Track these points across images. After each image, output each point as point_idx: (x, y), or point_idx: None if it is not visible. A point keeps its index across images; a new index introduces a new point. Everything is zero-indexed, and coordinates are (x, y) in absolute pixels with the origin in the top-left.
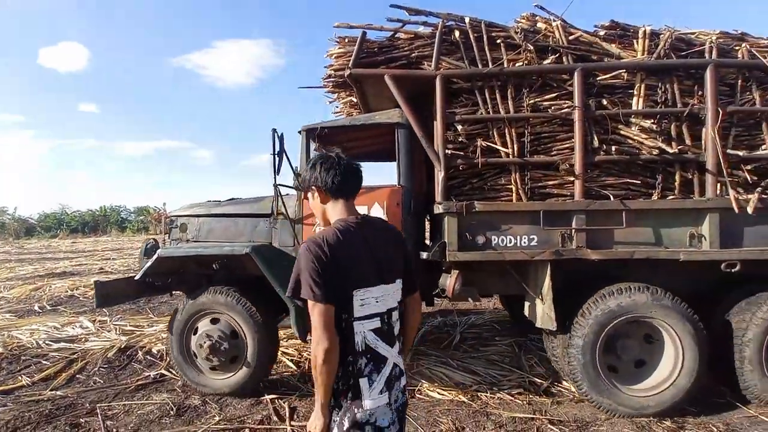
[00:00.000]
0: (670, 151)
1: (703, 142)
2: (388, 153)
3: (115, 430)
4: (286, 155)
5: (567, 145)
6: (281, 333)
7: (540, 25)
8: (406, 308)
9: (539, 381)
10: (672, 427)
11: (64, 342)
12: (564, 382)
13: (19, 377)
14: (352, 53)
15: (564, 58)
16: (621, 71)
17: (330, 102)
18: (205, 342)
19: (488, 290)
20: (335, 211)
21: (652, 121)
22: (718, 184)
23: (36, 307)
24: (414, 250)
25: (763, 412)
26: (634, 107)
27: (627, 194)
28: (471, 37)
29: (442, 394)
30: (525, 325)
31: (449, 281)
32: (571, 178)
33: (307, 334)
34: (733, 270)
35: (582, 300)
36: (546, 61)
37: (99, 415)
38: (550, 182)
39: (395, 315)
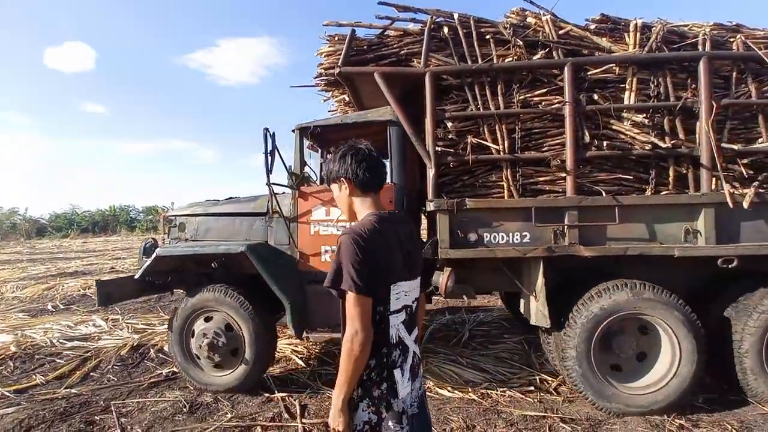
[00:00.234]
0: (663, 145)
1: (697, 136)
2: (382, 151)
3: (129, 427)
4: (279, 154)
5: (558, 141)
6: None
7: (530, 20)
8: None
9: (550, 379)
10: (686, 425)
11: (78, 340)
12: None
13: (33, 376)
14: (341, 51)
15: (554, 53)
16: (612, 65)
17: (324, 100)
18: (203, 340)
19: (483, 287)
20: (365, 204)
21: (645, 115)
22: (714, 179)
23: (49, 306)
24: None
25: None
26: (626, 102)
27: (620, 190)
28: (460, 33)
29: (452, 392)
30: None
31: (442, 279)
32: (563, 174)
33: (302, 331)
34: (730, 266)
35: (576, 297)
36: (536, 57)
37: (113, 413)
38: (542, 178)
39: (414, 307)
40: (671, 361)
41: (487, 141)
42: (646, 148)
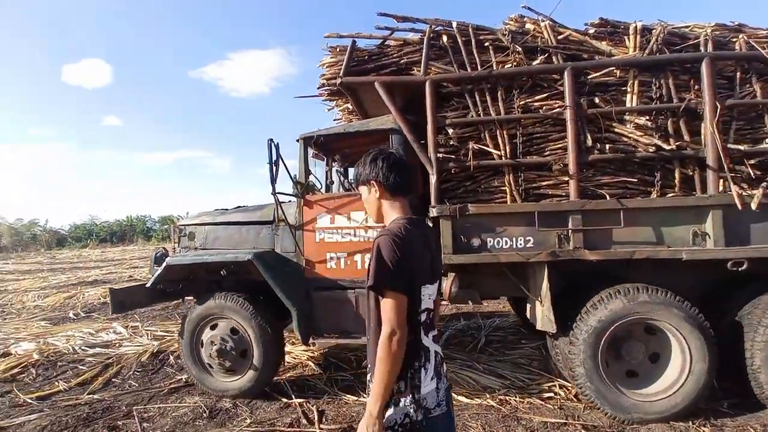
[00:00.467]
0: (667, 147)
1: (702, 137)
2: None
3: (151, 431)
4: (283, 163)
5: (560, 145)
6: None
7: (528, 26)
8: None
9: (569, 385)
10: (710, 430)
11: (99, 347)
12: None
13: (56, 383)
14: (343, 62)
15: (554, 58)
16: (613, 69)
17: (329, 110)
18: (212, 346)
19: (488, 293)
20: (394, 207)
21: (647, 117)
22: (721, 180)
23: (70, 315)
24: None
25: None
26: (627, 104)
27: (624, 193)
28: (459, 41)
29: (470, 398)
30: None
31: (446, 284)
32: (566, 178)
33: (308, 337)
34: (740, 269)
35: (583, 301)
36: (535, 62)
37: (135, 418)
38: (545, 183)
39: (433, 310)
40: (682, 360)
41: (488, 147)
42: (650, 150)
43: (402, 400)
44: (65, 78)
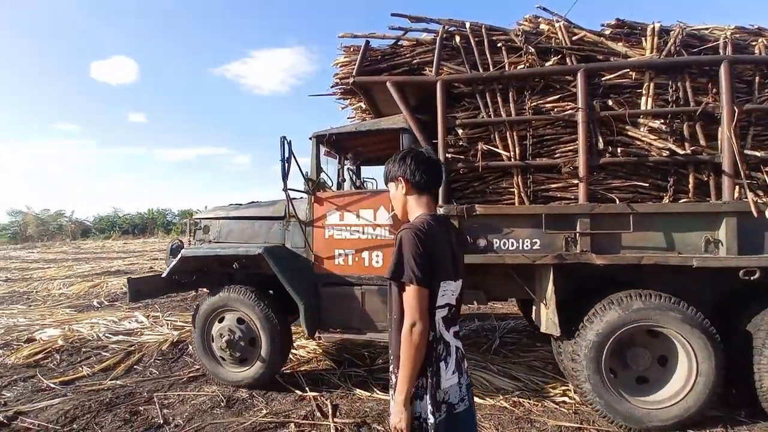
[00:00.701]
0: (681, 152)
1: (719, 142)
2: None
3: (171, 418)
4: (295, 160)
5: (570, 148)
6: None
7: (543, 26)
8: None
9: None
10: None
11: (122, 335)
12: None
13: (80, 368)
14: (356, 62)
15: (567, 59)
16: (628, 70)
17: (342, 108)
18: (222, 337)
19: (494, 294)
20: (419, 204)
21: (662, 121)
22: (736, 187)
23: (94, 303)
24: None
25: None
26: (642, 107)
27: (635, 197)
28: (472, 41)
29: (483, 399)
30: None
31: None
32: (575, 181)
33: (315, 331)
34: (752, 278)
35: (590, 306)
36: (548, 63)
37: (156, 404)
38: (554, 185)
39: (455, 306)
40: (684, 383)
41: (497, 148)
42: (664, 154)
43: (425, 394)
44: (93, 75)
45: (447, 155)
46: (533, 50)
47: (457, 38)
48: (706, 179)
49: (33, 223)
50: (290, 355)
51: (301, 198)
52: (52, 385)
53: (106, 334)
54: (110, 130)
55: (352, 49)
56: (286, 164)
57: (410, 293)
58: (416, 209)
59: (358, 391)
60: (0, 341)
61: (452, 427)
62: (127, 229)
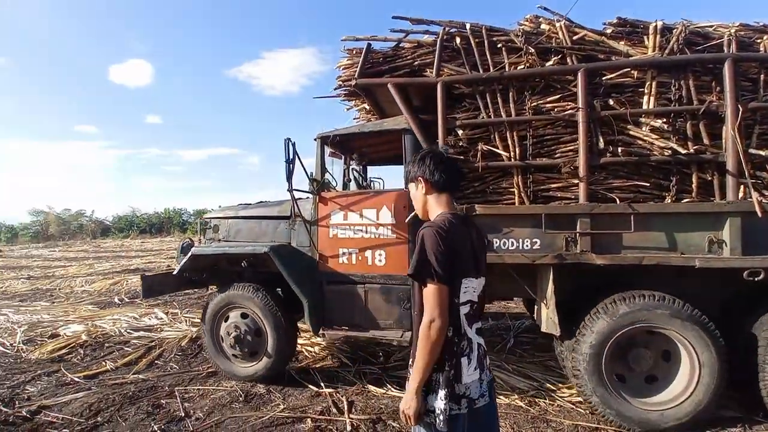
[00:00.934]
0: (683, 151)
1: (723, 141)
2: (400, 157)
3: (192, 411)
4: (300, 161)
5: (571, 148)
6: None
7: (543, 26)
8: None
9: None
10: None
11: (143, 331)
12: None
13: (103, 362)
14: (359, 64)
15: (568, 59)
16: (629, 69)
17: (348, 109)
18: (230, 334)
19: (495, 293)
20: (439, 203)
21: (664, 120)
22: (741, 186)
23: (115, 300)
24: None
25: None
26: (644, 106)
27: (636, 197)
28: (472, 42)
29: (498, 398)
30: None
31: None
32: (576, 181)
33: (319, 328)
34: (756, 279)
35: (591, 306)
36: (549, 63)
37: (177, 398)
38: (554, 185)
39: (477, 303)
40: (687, 384)
41: (498, 148)
42: (666, 154)
43: (441, 389)
44: (112, 77)
45: None
46: (533, 50)
47: (458, 39)
48: (709, 179)
49: (54, 223)
50: (305, 352)
51: (307, 198)
52: (77, 379)
53: (128, 330)
54: (128, 132)
55: (354, 52)
56: (291, 165)
57: (430, 290)
58: (437, 208)
59: (372, 388)
60: (24, 337)
61: (473, 422)
62: (144, 228)
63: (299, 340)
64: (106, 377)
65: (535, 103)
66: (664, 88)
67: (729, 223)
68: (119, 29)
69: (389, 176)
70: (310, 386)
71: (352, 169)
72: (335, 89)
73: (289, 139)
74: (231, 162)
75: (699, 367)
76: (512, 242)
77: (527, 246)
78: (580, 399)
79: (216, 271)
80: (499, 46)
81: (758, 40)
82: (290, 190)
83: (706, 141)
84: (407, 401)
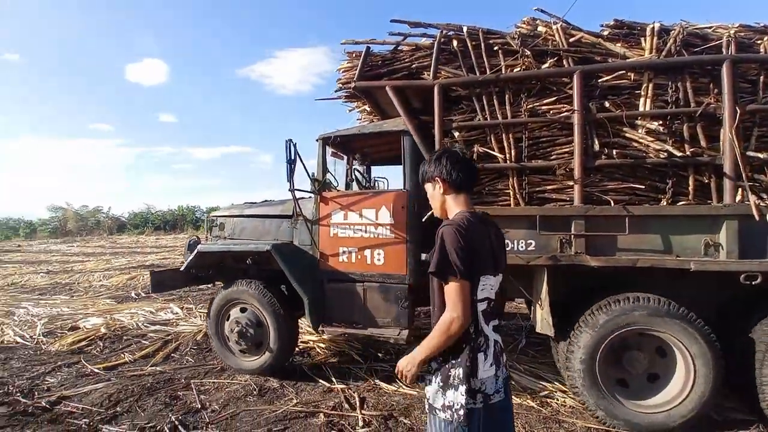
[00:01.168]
0: (679, 154)
1: (720, 143)
2: (399, 158)
3: (208, 403)
4: (301, 162)
5: (566, 150)
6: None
7: (540, 28)
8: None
9: None
10: None
11: (159, 325)
12: None
13: (122, 354)
14: (358, 67)
15: (564, 61)
16: (624, 71)
17: (349, 111)
18: (234, 329)
19: None
20: (457, 202)
21: (660, 122)
22: (738, 189)
23: (132, 294)
24: (417, 252)
25: None
26: (641, 108)
27: (631, 199)
28: (469, 45)
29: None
30: None
31: None
32: (571, 183)
33: (319, 325)
34: (753, 282)
35: (586, 308)
36: (545, 65)
37: (194, 390)
38: (549, 187)
39: (494, 300)
40: (682, 388)
41: (493, 150)
42: (661, 156)
43: (463, 384)
44: (128, 76)
45: None
46: (529, 53)
47: (455, 42)
48: (706, 181)
49: (72, 219)
50: (317, 349)
51: (309, 197)
52: (96, 371)
53: (145, 324)
54: (142, 130)
55: (354, 55)
56: (292, 165)
57: (453, 287)
58: (454, 207)
59: (384, 385)
60: (44, 329)
61: (489, 417)
62: (158, 225)
63: (311, 337)
64: (124, 369)
65: (531, 106)
66: (660, 91)
67: (726, 226)
68: (137, 28)
69: (393, 176)
70: (322, 382)
71: (355, 169)
72: (336, 91)
73: (290, 140)
74: (243, 160)
75: (692, 361)
76: (507, 243)
77: (522, 247)
78: None
79: (222, 268)
80: (495, 48)
81: (758, 42)
82: (291, 189)
83: (703, 143)
84: (409, 365)
